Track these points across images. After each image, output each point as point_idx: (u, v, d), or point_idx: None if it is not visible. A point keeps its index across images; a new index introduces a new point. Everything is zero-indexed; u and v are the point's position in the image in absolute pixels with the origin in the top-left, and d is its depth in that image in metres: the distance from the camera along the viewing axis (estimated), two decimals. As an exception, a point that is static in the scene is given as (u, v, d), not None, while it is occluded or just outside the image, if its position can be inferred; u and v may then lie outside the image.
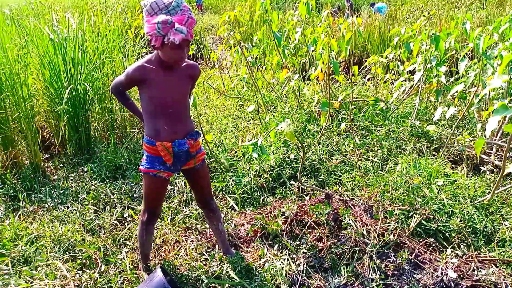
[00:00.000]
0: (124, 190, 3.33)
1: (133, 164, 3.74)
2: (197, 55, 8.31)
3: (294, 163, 3.53)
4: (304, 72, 6.08)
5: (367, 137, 3.96)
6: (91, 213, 3.01)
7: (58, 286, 2.26)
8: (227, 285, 2.32)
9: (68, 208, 3.10)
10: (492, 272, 2.33)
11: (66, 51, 3.87)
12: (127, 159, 3.77)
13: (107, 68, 4.31)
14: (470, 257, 2.47)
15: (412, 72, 4.93)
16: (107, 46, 4.31)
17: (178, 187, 3.38)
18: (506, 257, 2.46)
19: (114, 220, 2.96)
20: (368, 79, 5.77)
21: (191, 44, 6.58)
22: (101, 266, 2.45)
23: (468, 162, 3.65)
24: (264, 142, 3.71)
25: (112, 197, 3.21)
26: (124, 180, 3.49)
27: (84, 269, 2.48)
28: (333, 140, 3.91)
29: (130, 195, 3.29)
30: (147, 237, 2.35)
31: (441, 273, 2.32)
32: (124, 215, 3.02)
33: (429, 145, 3.85)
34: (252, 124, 4.40)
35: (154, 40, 1.93)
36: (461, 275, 2.32)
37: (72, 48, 3.90)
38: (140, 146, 4.13)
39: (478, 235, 2.66)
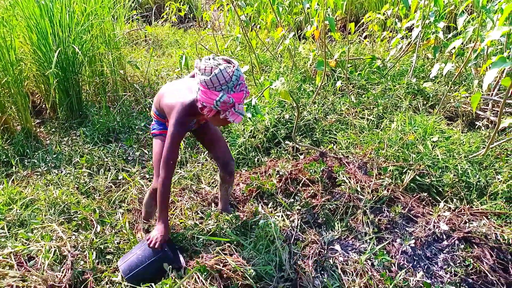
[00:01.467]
0: (118, 153, 3.31)
1: (126, 127, 3.71)
2: (189, 16, 8.08)
3: (289, 123, 3.50)
4: (299, 31, 5.93)
5: (363, 96, 3.91)
6: (85, 176, 3.01)
7: (54, 247, 2.28)
8: (223, 241, 2.34)
9: (61, 172, 3.09)
10: (483, 224, 2.36)
11: (52, 13, 3.73)
12: (120, 123, 3.73)
13: (96, 30, 4.18)
14: (462, 210, 2.49)
15: (410, 29, 4.79)
16: (96, 7, 4.16)
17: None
18: (498, 209, 2.49)
19: (109, 182, 2.96)
20: (365, 37, 5.63)
21: (183, 5, 6.38)
22: (96, 227, 2.47)
23: (464, 118, 3.62)
24: (258, 103, 3.66)
25: (106, 160, 3.20)
26: (117, 143, 3.46)
27: (80, 230, 2.50)
28: (328, 99, 3.86)
29: (124, 157, 3.28)
30: (155, 202, 2.36)
31: (433, 226, 2.35)
32: (119, 178, 3.01)
33: (425, 102, 3.81)
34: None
35: (207, 110, 1.90)
36: (453, 228, 2.35)
37: (59, 10, 3.76)
38: (133, 109, 4.08)
39: (471, 189, 2.67)
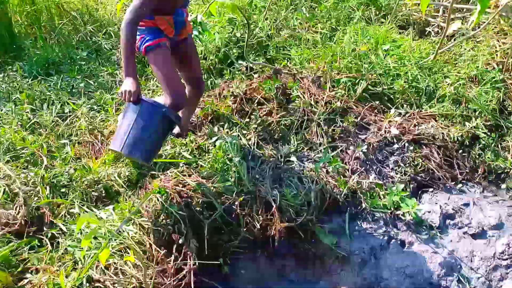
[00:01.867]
0: (60, 85, 3.11)
1: (67, 58, 3.45)
2: None
3: (241, 42, 3.35)
4: None
5: (316, 9, 3.78)
6: (27, 112, 2.82)
7: (3, 186, 2.18)
8: (181, 164, 2.33)
9: (1, 110, 2.88)
10: (432, 126, 2.46)
11: None
12: (59, 54, 3.46)
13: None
14: (412, 115, 2.58)
15: None
16: None
17: (120, 78, 3.19)
18: (445, 111, 2.59)
19: (55, 116, 2.79)
20: None
21: None
22: (46, 162, 2.36)
23: (415, 26, 3.62)
24: (207, 22, 3.47)
25: (48, 93, 2.99)
26: (59, 76, 3.23)
27: (29, 167, 2.39)
28: (281, 14, 3.70)
29: (68, 90, 3.08)
30: None
31: (385, 131, 2.43)
32: (65, 111, 2.85)
33: (377, 12, 3.74)
34: (193, 4, 4.06)
35: None
36: (403, 132, 2.44)
37: None
38: (72, 38, 3.77)
39: (421, 94, 2.74)
